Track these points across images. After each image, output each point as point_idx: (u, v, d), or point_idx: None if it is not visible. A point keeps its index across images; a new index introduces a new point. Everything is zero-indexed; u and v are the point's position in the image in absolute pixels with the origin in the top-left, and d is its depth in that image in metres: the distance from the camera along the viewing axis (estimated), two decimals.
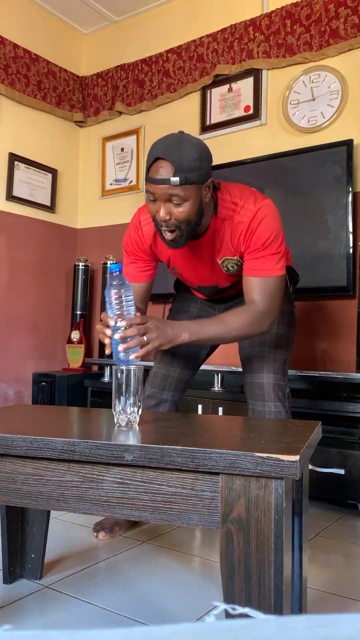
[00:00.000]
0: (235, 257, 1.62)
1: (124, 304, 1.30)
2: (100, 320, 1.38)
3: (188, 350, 1.87)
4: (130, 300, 1.31)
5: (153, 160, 1.40)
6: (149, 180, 1.42)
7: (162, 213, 1.43)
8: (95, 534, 1.87)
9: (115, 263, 1.32)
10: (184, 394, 1.93)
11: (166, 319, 1.43)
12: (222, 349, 2.47)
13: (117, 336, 1.30)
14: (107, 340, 1.33)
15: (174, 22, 3.32)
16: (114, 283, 1.28)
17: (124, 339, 1.30)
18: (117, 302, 1.29)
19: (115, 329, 1.30)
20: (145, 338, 1.34)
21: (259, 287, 1.54)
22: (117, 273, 1.27)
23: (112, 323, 1.30)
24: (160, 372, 1.87)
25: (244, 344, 1.81)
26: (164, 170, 1.38)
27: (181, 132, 1.45)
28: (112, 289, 1.29)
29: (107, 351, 1.34)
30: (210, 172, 1.47)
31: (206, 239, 1.60)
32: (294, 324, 1.86)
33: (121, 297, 1.29)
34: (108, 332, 1.31)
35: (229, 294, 1.85)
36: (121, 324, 1.30)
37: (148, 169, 1.42)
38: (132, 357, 1.30)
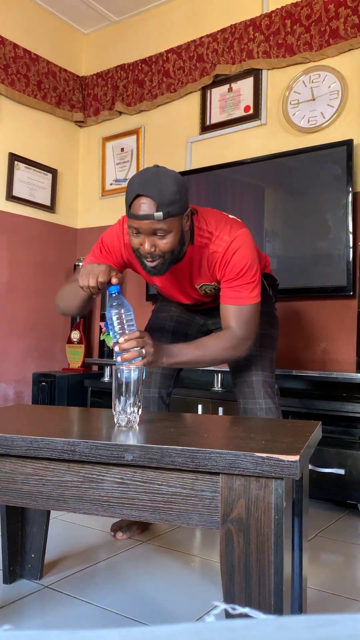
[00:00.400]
0: (213, 283, 1.68)
1: (124, 323, 1.37)
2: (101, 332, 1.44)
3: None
4: (131, 319, 1.38)
5: (134, 197, 1.43)
6: (132, 216, 1.44)
7: (147, 246, 1.47)
8: (112, 533, 1.89)
9: (114, 285, 1.37)
10: (172, 389, 1.96)
11: (154, 341, 1.47)
12: None
13: (116, 348, 1.38)
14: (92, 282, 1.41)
15: (174, 22, 3.32)
16: (113, 304, 1.35)
17: (124, 350, 1.38)
18: (119, 322, 1.36)
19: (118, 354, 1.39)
20: (143, 351, 1.41)
21: (235, 315, 1.60)
22: (116, 294, 1.35)
23: (117, 349, 1.38)
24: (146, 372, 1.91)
25: None
26: (146, 206, 1.41)
27: (156, 166, 1.48)
28: (112, 309, 1.35)
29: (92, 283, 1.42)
30: (188, 202, 1.50)
31: (183, 265, 1.64)
32: (277, 324, 1.93)
33: (121, 316, 1.36)
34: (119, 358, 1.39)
35: (208, 307, 1.89)
36: (122, 338, 1.38)
37: (129, 205, 1.45)
38: (124, 366, 1.36)
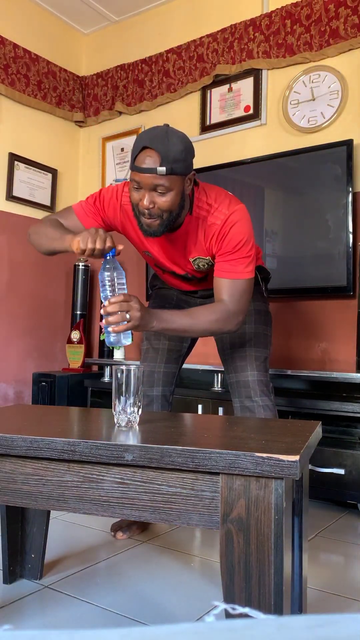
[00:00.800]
0: (207, 257, 1.67)
1: (116, 287, 1.36)
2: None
3: (169, 344, 1.93)
4: (123, 284, 1.38)
5: (140, 149, 1.43)
6: (135, 168, 1.44)
7: (145, 201, 1.46)
8: (112, 533, 1.89)
9: (112, 251, 1.37)
10: (174, 388, 1.97)
11: (144, 306, 1.46)
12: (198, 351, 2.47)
13: (102, 311, 1.37)
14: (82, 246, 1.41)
15: (174, 22, 3.32)
16: (107, 266, 1.35)
17: (108, 314, 1.37)
18: (110, 284, 1.36)
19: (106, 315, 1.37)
20: (127, 315, 1.38)
21: (229, 288, 1.59)
22: (111, 257, 1.34)
23: (102, 312, 1.37)
24: (146, 370, 1.92)
25: (225, 346, 1.85)
26: (151, 160, 1.41)
27: (166, 125, 1.48)
28: (105, 272, 1.35)
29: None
30: (192, 165, 1.51)
31: (179, 235, 1.63)
32: (270, 322, 1.92)
33: (113, 280, 1.36)
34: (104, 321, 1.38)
35: (203, 287, 1.87)
36: (106, 302, 1.36)
37: (134, 158, 1.44)
38: (110, 329, 1.34)
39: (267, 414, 1.76)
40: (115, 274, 1.35)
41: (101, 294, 1.38)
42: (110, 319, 1.35)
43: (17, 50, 3.25)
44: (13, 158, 3.28)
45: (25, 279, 3.38)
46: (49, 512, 1.57)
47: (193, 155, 1.50)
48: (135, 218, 1.55)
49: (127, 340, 1.40)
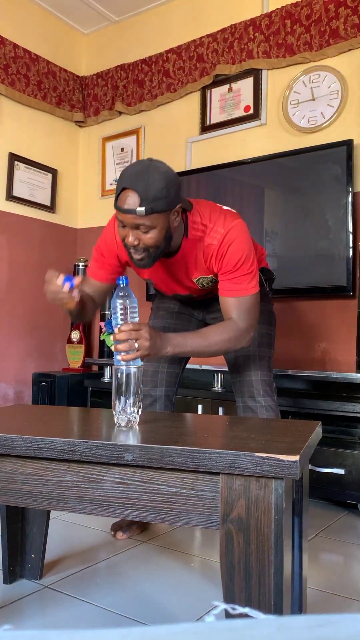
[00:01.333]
0: (209, 276, 1.68)
1: (128, 314, 1.37)
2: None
3: None
4: (135, 312, 1.38)
5: (121, 189, 1.43)
6: (117, 208, 1.45)
7: (130, 239, 1.47)
8: (112, 533, 1.89)
9: (124, 276, 1.38)
10: (177, 388, 1.96)
11: (156, 331, 1.48)
12: None
13: (111, 337, 1.38)
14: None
15: (174, 22, 3.32)
16: (120, 294, 1.35)
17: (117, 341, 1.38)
18: (122, 312, 1.37)
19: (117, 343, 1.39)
20: (136, 344, 1.39)
21: (236, 306, 1.60)
22: (124, 285, 1.35)
23: (111, 338, 1.38)
24: (149, 370, 1.91)
25: None
26: (131, 200, 1.41)
27: (149, 160, 1.47)
28: (118, 299, 1.36)
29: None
30: (179, 197, 1.49)
31: (178, 259, 1.64)
32: (274, 322, 1.92)
33: (126, 307, 1.36)
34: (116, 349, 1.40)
35: (207, 298, 1.88)
36: (117, 329, 1.37)
37: (116, 197, 1.45)
38: (118, 357, 1.34)
39: (269, 414, 1.77)
40: (127, 302, 1.36)
41: (112, 321, 1.39)
42: (119, 346, 1.35)
43: (17, 50, 3.25)
44: (13, 158, 3.28)
45: (25, 279, 3.38)
46: (49, 512, 1.57)
47: (178, 188, 1.48)
48: (127, 251, 1.57)
49: (135, 365, 1.42)
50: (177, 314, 1.95)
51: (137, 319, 1.38)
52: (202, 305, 1.93)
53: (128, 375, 1.21)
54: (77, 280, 1.45)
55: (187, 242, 1.60)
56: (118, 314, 1.36)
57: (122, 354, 1.34)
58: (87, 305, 1.68)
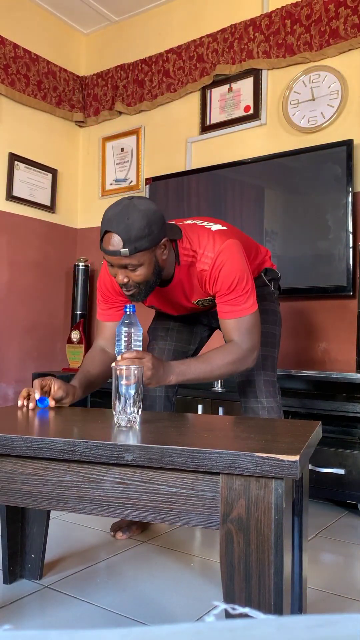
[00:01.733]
0: (208, 297, 1.68)
1: (132, 342, 1.38)
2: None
3: (176, 346, 1.93)
4: (139, 340, 1.39)
5: (104, 232, 1.44)
6: (102, 250, 1.46)
7: (120, 277, 1.49)
8: (112, 533, 1.89)
9: (131, 305, 1.39)
10: (177, 388, 1.96)
11: (160, 360, 1.48)
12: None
13: (113, 364, 1.39)
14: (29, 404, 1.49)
15: (174, 22, 3.32)
16: (126, 322, 1.37)
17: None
18: (126, 339, 1.38)
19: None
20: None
21: (236, 327, 1.59)
22: (131, 313, 1.37)
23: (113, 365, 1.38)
24: None
25: None
26: (114, 241, 1.42)
27: (129, 198, 1.46)
28: (123, 326, 1.37)
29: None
30: (163, 232, 1.48)
31: (174, 286, 1.65)
32: (280, 322, 1.91)
33: (130, 335, 1.37)
34: (31, 405, 1.48)
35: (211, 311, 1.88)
36: (119, 356, 1.38)
37: (101, 239, 1.46)
38: (123, 382, 1.35)
39: (271, 416, 1.76)
40: (132, 330, 1.37)
41: (116, 348, 1.40)
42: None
43: (17, 50, 3.25)
44: (13, 158, 3.28)
45: (25, 279, 3.38)
46: (49, 512, 1.57)
47: (162, 223, 1.48)
48: (120, 287, 1.59)
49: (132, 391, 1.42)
50: (178, 330, 1.95)
51: (140, 348, 1.38)
52: (208, 313, 1.92)
53: (128, 376, 1.21)
54: (51, 403, 1.50)
55: (181, 269, 1.61)
56: (122, 342, 1.37)
57: (125, 380, 1.34)
58: (93, 383, 1.71)
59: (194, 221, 1.68)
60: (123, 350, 1.37)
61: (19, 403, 1.48)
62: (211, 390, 2.62)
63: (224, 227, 1.65)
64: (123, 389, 1.25)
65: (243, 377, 1.81)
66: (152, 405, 1.89)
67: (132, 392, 1.25)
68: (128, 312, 1.37)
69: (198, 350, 1.99)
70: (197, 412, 2.55)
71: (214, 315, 1.91)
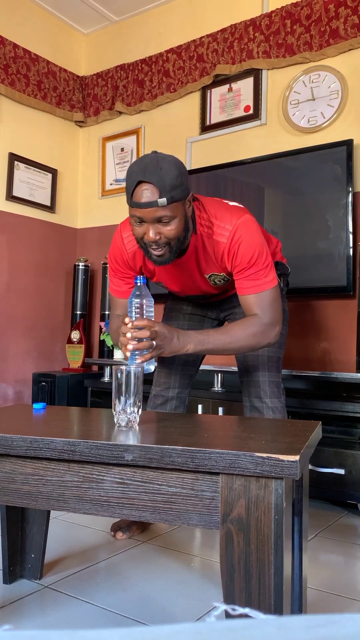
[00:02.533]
0: (222, 274, 1.65)
1: (144, 313, 1.36)
2: (124, 325, 1.40)
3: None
4: (151, 311, 1.38)
5: (135, 184, 1.39)
6: (134, 205, 1.40)
7: (151, 234, 1.43)
8: (112, 533, 1.89)
9: (142, 275, 1.38)
10: (190, 389, 1.95)
11: (174, 328, 1.45)
12: None
13: (128, 335, 1.36)
14: (128, 354, 1.39)
15: (174, 22, 3.32)
16: (137, 293, 1.35)
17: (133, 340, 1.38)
18: (138, 310, 1.36)
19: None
20: (154, 343, 1.38)
21: (257, 302, 1.56)
22: (142, 284, 1.35)
23: (130, 327, 1.34)
24: (163, 371, 1.89)
25: None
26: (149, 192, 1.37)
27: (154, 152, 1.44)
28: (134, 298, 1.36)
29: (127, 354, 1.40)
30: (189, 186, 1.47)
31: (189, 256, 1.61)
32: (287, 321, 1.89)
33: (143, 306, 1.36)
34: (130, 346, 1.35)
35: (219, 299, 1.86)
36: (130, 324, 1.35)
37: (131, 194, 1.40)
38: (138, 361, 1.35)
39: (275, 416, 1.76)
40: (144, 301, 1.36)
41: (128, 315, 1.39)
42: (136, 345, 1.34)
43: (17, 50, 3.25)
44: (13, 158, 3.28)
45: (25, 279, 3.38)
46: (49, 512, 1.57)
47: (187, 176, 1.46)
48: (143, 251, 1.52)
49: (150, 366, 1.40)
50: (190, 315, 1.92)
51: (152, 318, 1.37)
52: (216, 305, 1.90)
53: (128, 375, 1.21)
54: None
55: (196, 238, 1.57)
56: (133, 313, 1.35)
57: (138, 353, 1.32)
58: None
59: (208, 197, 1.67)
60: (135, 316, 1.35)
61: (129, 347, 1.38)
62: (211, 390, 2.62)
63: (241, 205, 1.63)
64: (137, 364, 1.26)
65: (248, 377, 1.80)
66: (163, 404, 1.88)
67: (151, 367, 1.25)
68: (139, 283, 1.35)
69: None
70: (197, 412, 2.55)
71: (223, 307, 1.90)
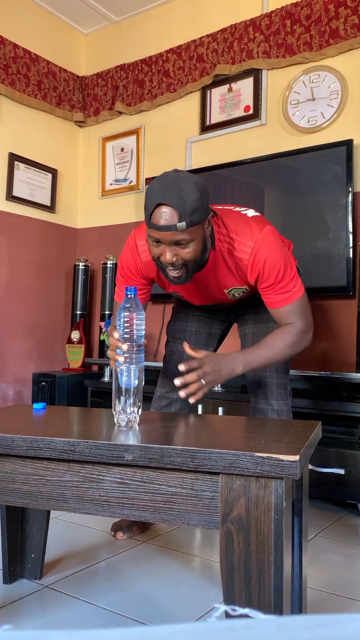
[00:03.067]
0: (243, 287, 1.63)
1: (134, 327, 1.33)
2: (110, 338, 1.38)
3: (194, 348, 1.88)
4: (142, 324, 1.34)
5: (154, 206, 1.35)
6: (153, 226, 1.37)
7: (168, 256, 1.40)
8: (112, 533, 1.88)
9: (132, 287, 1.34)
10: None
11: (220, 356, 1.49)
12: (223, 349, 2.46)
13: (177, 382, 1.38)
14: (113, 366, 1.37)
15: (174, 22, 3.32)
16: (127, 305, 1.32)
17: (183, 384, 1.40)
18: (128, 324, 1.32)
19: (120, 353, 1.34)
20: (203, 381, 1.41)
21: (290, 312, 1.58)
22: (132, 296, 1.32)
23: (124, 347, 1.31)
24: (169, 372, 1.89)
25: (247, 343, 1.82)
26: (168, 216, 1.34)
27: (175, 171, 1.40)
28: (124, 311, 1.32)
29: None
30: (209, 206, 1.43)
31: (207, 271, 1.58)
32: None
33: (133, 320, 1.32)
34: (120, 358, 1.32)
35: (231, 305, 1.85)
36: (181, 367, 1.38)
37: (150, 214, 1.37)
38: (191, 400, 1.39)
39: (281, 418, 1.75)
40: (135, 314, 1.32)
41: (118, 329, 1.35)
42: (188, 389, 1.36)
43: (17, 50, 3.25)
44: (13, 158, 3.28)
45: (25, 279, 3.38)
46: (49, 512, 1.57)
47: (208, 197, 1.42)
48: (159, 269, 1.50)
49: (135, 380, 1.38)
50: (199, 316, 1.91)
51: (143, 331, 1.33)
52: (227, 309, 1.88)
53: (127, 382, 1.21)
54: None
55: (215, 253, 1.54)
56: (123, 325, 1.31)
57: (127, 372, 1.31)
58: None
59: (225, 207, 1.63)
60: (124, 337, 1.30)
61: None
62: (211, 390, 2.62)
63: (258, 213, 1.61)
64: (124, 383, 1.24)
65: (255, 378, 1.78)
66: (168, 405, 1.88)
67: (135, 381, 1.24)
68: (129, 295, 1.31)
69: (214, 350, 1.95)
70: (197, 412, 2.55)
71: (233, 310, 1.89)
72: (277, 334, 1.57)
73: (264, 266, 1.51)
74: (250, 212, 1.60)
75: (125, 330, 1.30)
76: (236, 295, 1.67)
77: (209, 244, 1.50)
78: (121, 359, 1.32)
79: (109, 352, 1.40)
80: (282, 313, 1.58)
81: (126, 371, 1.31)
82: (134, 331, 1.31)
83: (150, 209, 1.36)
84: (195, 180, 1.37)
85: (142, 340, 1.33)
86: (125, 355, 1.32)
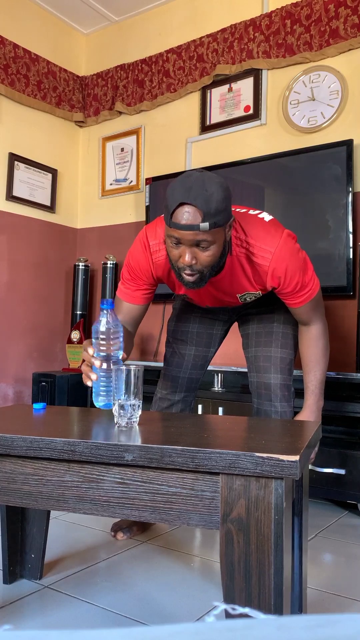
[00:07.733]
0: (257, 292, 1.61)
1: (111, 342, 1.29)
2: (83, 353, 1.35)
3: (196, 350, 1.89)
4: (119, 339, 1.31)
5: (177, 204, 1.30)
6: (174, 225, 1.32)
7: (187, 258, 1.36)
8: (113, 534, 1.88)
9: (108, 300, 1.30)
10: (196, 393, 1.95)
11: (303, 415, 1.66)
12: (223, 349, 2.46)
13: (83, 367, 1.32)
14: (89, 383, 1.35)
15: (174, 22, 3.32)
16: (102, 319, 1.28)
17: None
18: (104, 340, 1.29)
19: (96, 370, 1.31)
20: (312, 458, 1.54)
21: (312, 309, 1.62)
22: (109, 311, 1.28)
23: (97, 364, 1.28)
24: (170, 374, 1.88)
25: (250, 343, 1.82)
26: (191, 216, 1.29)
27: (200, 171, 1.35)
28: (99, 325, 1.28)
29: (89, 383, 1.36)
30: (231, 209, 1.39)
31: (222, 276, 1.55)
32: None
33: (110, 335, 1.29)
34: (93, 376, 1.31)
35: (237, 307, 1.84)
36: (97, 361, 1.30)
37: (171, 213, 1.33)
38: None
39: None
40: (111, 330, 1.28)
41: (94, 347, 1.30)
42: (94, 377, 1.29)
43: (17, 50, 3.25)
44: (13, 158, 3.28)
45: (25, 279, 3.38)
46: (49, 512, 1.57)
47: (231, 199, 1.37)
48: (174, 272, 1.46)
49: (111, 403, 1.34)
50: (201, 317, 1.89)
51: (121, 344, 1.30)
52: (231, 310, 1.87)
53: (128, 375, 1.21)
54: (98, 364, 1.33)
55: (232, 258, 1.51)
56: (100, 342, 1.28)
57: (104, 393, 1.29)
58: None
59: (241, 209, 1.60)
60: (100, 352, 1.27)
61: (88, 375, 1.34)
62: (211, 390, 2.62)
63: (272, 217, 1.59)
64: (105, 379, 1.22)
65: (258, 378, 1.78)
66: (169, 407, 1.89)
67: (111, 404, 1.20)
68: (105, 310, 1.27)
69: (216, 351, 1.95)
70: (197, 412, 2.55)
71: (237, 311, 1.88)
72: (312, 347, 1.67)
73: (286, 274, 1.50)
74: (267, 216, 1.57)
75: (102, 345, 1.27)
76: (248, 299, 1.65)
77: (227, 249, 1.47)
78: (94, 376, 1.30)
79: (82, 367, 1.36)
80: (301, 311, 1.63)
81: (103, 390, 1.28)
82: (111, 346, 1.27)
83: (172, 208, 1.32)
84: (220, 182, 1.33)
85: (121, 354, 1.30)
86: (101, 373, 1.29)
